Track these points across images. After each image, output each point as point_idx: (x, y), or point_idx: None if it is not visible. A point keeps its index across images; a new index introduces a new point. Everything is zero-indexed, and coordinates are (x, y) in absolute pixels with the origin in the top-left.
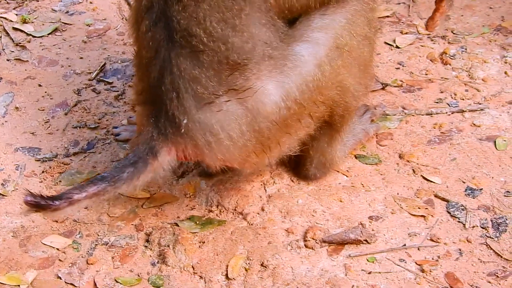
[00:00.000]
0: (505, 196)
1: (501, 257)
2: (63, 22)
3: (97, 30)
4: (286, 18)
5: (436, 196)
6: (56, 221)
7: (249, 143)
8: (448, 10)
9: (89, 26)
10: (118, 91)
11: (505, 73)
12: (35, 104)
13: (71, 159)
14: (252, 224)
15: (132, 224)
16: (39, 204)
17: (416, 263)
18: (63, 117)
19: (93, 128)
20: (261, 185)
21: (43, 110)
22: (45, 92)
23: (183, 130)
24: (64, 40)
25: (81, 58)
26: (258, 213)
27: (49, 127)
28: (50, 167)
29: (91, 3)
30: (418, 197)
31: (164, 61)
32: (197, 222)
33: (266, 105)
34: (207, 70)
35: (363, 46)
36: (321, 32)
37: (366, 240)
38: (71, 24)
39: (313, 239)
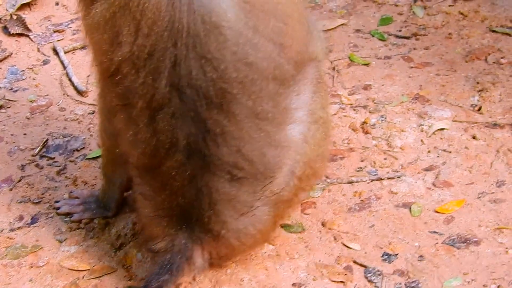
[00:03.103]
0: (418, 260)
1: None
2: (7, 99)
3: (39, 106)
4: None
5: (354, 262)
6: None
7: (272, 228)
8: None
9: (32, 102)
10: (59, 166)
11: (421, 141)
12: None
13: (16, 234)
14: None
15: None
16: None
17: None
18: (8, 192)
19: (36, 203)
20: None
21: None
22: None
23: (221, 240)
24: (9, 116)
25: (25, 134)
26: (190, 283)
27: None
28: None
29: (34, 79)
30: (338, 264)
31: (201, 187)
32: None
33: (285, 191)
34: (245, 189)
35: (328, 115)
36: (302, 110)
37: None
38: (15, 100)
39: None
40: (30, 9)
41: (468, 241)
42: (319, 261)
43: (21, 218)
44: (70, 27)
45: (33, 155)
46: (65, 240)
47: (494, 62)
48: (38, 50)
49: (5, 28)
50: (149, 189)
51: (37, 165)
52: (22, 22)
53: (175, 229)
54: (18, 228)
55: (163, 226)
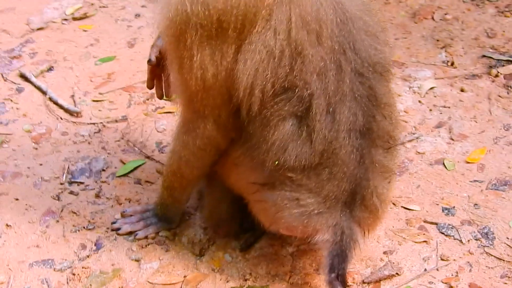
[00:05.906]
0: (476, 208)
1: (504, 260)
2: (2, 133)
3: (41, 135)
4: None
5: (425, 221)
6: None
7: None
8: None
9: (30, 132)
10: (94, 189)
11: (419, 102)
12: (23, 218)
13: (88, 262)
14: (292, 283)
15: None
16: None
17: (442, 282)
18: (56, 224)
19: (91, 229)
20: (282, 246)
21: (33, 222)
22: (26, 204)
23: (376, 213)
24: (14, 150)
25: (41, 164)
26: (291, 271)
27: (49, 237)
28: (74, 274)
29: (18, 109)
30: (411, 226)
31: (368, 164)
32: None
33: None
34: (390, 157)
35: None
36: None
37: (397, 273)
38: (11, 133)
39: (354, 283)
40: None
41: (508, 183)
42: (393, 227)
43: (83, 246)
44: (24, 51)
45: (61, 183)
46: (142, 258)
47: (441, 19)
48: (5, 80)
49: None
50: (312, 185)
51: (71, 192)
52: None
53: (339, 217)
54: (87, 256)
55: (324, 218)
